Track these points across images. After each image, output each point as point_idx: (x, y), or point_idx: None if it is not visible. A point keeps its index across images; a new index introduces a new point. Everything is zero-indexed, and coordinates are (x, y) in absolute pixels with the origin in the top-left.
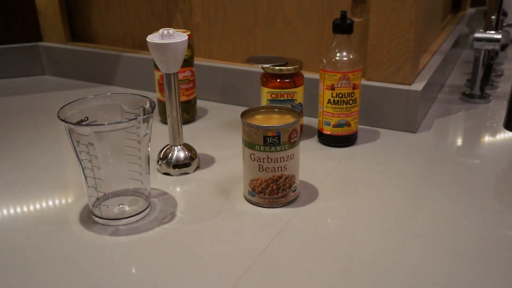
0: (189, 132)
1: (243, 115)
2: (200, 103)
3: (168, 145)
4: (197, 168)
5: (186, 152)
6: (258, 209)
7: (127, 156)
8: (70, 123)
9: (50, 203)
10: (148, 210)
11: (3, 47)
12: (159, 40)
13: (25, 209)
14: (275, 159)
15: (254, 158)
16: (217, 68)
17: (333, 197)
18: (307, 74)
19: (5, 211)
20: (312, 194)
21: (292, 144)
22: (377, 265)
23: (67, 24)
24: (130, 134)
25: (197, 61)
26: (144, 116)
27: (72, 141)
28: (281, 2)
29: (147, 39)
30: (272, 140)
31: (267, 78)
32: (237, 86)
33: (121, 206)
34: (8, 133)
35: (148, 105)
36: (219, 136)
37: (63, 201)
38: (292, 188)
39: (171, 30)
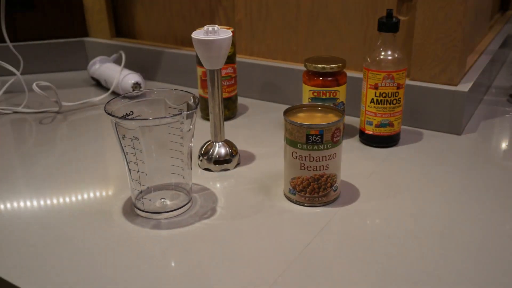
0: (229, 129)
1: (286, 112)
2: (240, 100)
3: (209, 141)
4: (238, 164)
5: (227, 149)
6: (298, 207)
7: (169, 151)
8: (116, 117)
9: (96, 194)
10: (189, 205)
11: (51, 42)
12: (204, 37)
13: (73, 199)
14: (317, 158)
15: (296, 157)
16: (258, 65)
17: (374, 198)
18: (350, 73)
19: (54, 201)
20: (353, 194)
21: (335, 143)
22: (417, 267)
23: (112, 20)
24: (174, 129)
25: (239, 58)
26: (188, 112)
27: (117, 135)
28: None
29: (192, 35)
30: (314, 139)
31: (309, 76)
32: (278, 83)
33: (162, 200)
34: (54, 126)
35: (192, 101)
36: (260, 134)
37: (107, 193)
38: (333, 188)
39: (216, 27)
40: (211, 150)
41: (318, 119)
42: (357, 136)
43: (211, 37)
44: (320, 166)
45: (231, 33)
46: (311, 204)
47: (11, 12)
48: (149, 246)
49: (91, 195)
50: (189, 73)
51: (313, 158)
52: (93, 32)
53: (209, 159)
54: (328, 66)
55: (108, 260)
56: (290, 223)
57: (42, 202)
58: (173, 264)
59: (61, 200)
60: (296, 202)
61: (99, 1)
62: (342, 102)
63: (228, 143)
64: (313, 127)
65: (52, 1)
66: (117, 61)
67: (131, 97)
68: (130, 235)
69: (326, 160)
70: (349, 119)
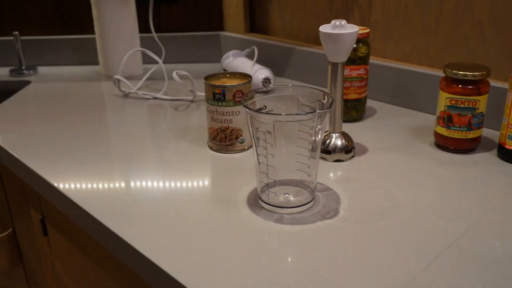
0: (355, 130)
1: (209, 77)
2: (369, 103)
3: (327, 131)
4: (352, 157)
5: (343, 140)
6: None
7: (298, 147)
8: (252, 109)
9: (223, 182)
10: (312, 203)
11: (190, 34)
12: (330, 30)
13: (200, 184)
14: (222, 112)
15: (208, 110)
16: (391, 68)
17: (509, 219)
18: (493, 82)
19: (184, 184)
20: (484, 212)
21: (237, 102)
22: None
23: (248, 15)
24: (305, 126)
25: (371, 59)
26: (322, 111)
27: (251, 128)
28: (470, 1)
29: (319, 28)
30: (218, 97)
31: (448, 83)
32: (411, 88)
33: (286, 195)
34: (187, 114)
35: (325, 99)
36: (384, 137)
37: (234, 183)
38: (239, 140)
39: (343, 21)
40: (328, 141)
41: (228, 82)
42: (495, 151)
43: (337, 31)
44: (224, 120)
45: (357, 28)
46: (219, 151)
47: (158, 5)
48: (270, 239)
49: (219, 182)
50: (318, 71)
51: (219, 112)
52: (228, 26)
53: (325, 149)
54: (471, 73)
55: (230, 246)
56: (417, 234)
57: (172, 184)
58: (289, 260)
59: (189, 184)
60: (210, 148)
61: None
62: (481, 112)
63: (344, 135)
64: (217, 87)
65: None
66: (249, 56)
67: (265, 92)
68: (253, 226)
69: (229, 115)
70: (488, 132)
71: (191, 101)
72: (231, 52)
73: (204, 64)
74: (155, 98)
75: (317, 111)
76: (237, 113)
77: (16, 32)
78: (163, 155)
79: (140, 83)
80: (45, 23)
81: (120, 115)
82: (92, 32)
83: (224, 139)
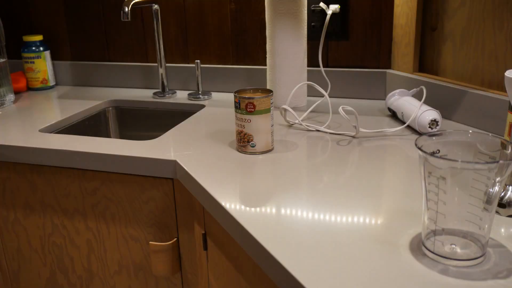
0: None
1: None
2: None
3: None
4: None
5: None
6: None
7: (470, 197)
8: (427, 153)
9: (384, 222)
10: (482, 258)
11: (356, 70)
12: None
13: (360, 220)
14: (238, 118)
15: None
16: None
17: None
18: None
19: (346, 218)
20: None
21: (248, 112)
22: None
23: (418, 54)
24: (482, 176)
25: None
26: (505, 161)
27: (423, 171)
28: None
29: (505, 74)
30: (237, 105)
31: None
32: None
33: (453, 246)
34: (348, 149)
35: (509, 150)
36: None
37: (395, 224)
38: (250, 144)
39: None
40: (503, 193)
41: (248, 95)
42: None
43: None
44: (240, 124)
45: None
46: (238, 150)
47: (327, 40)
48: None
49: (378, 222)
50: (492, 118)
51: (237, 117)
52: (396, 65)
53: (499, 202)
54: None
55: None
56: None
57: (332, 218)
58: None
59: (349, 219)
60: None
61: (408, 35)
62: None
63: None
64: (236, 96)
65: (365, 33)
66: (416, 96)
67: (438, 135)
68: (415, 274)
69: (243, 121)
70: None
71: (353, 136)
72: (397, 91)
73: (368, 101)
74: (317, 130)
75: (500, 161)
76: (249, 121)
77: (198, 61)
78: (317, 186)
79: (304, 115)
80: (222, 53)
81: (284, 143)
82: (263, 64)
83: (239, 141)
